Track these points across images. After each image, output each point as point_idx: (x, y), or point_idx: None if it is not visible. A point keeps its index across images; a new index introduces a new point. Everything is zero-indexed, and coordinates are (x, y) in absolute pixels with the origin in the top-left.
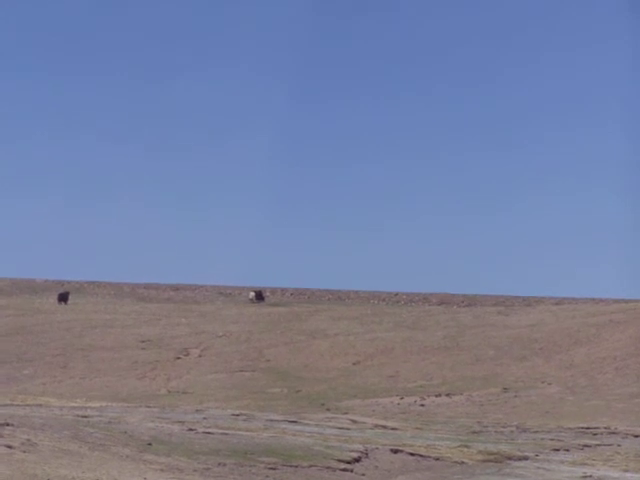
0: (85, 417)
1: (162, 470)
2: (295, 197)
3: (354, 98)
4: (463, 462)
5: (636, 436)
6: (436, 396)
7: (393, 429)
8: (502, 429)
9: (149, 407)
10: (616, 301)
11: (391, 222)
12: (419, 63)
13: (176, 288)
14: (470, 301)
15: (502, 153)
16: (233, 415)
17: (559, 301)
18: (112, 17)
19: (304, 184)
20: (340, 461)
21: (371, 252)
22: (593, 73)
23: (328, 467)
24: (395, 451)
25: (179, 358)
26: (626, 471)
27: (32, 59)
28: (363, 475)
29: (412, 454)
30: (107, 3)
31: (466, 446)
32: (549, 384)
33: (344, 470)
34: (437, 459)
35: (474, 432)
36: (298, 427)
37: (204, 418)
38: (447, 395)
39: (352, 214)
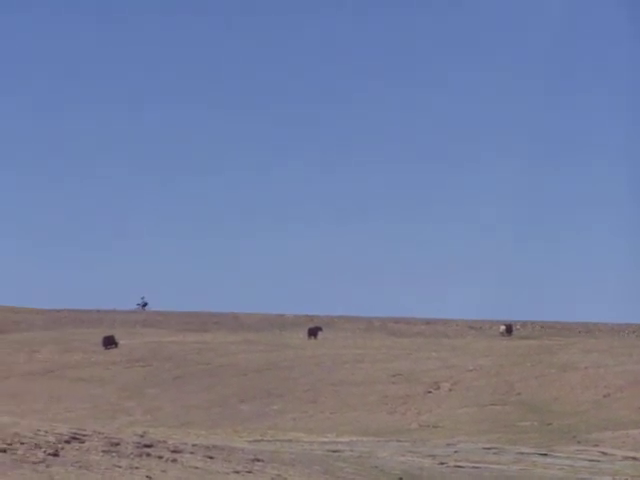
0: (335, 452)
1: None
2: (539, 230)
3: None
4: None
5: None
6: None
7: None
8: None
9: (400, 441)
10: None
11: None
12: None
13: (427, 322)
14: None
15: None
16: (484, 448)
17: None
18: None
19: (544, 217)
20: None
21: (617, 283)
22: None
23: None
24: None
25: (430, 392)
26: None
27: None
28: None
29: None
30: None
31: None
32: None
33: None
34: None
35: None
36: (548, 460)
37: (455, 452)
38: None
39: (592, 245)
